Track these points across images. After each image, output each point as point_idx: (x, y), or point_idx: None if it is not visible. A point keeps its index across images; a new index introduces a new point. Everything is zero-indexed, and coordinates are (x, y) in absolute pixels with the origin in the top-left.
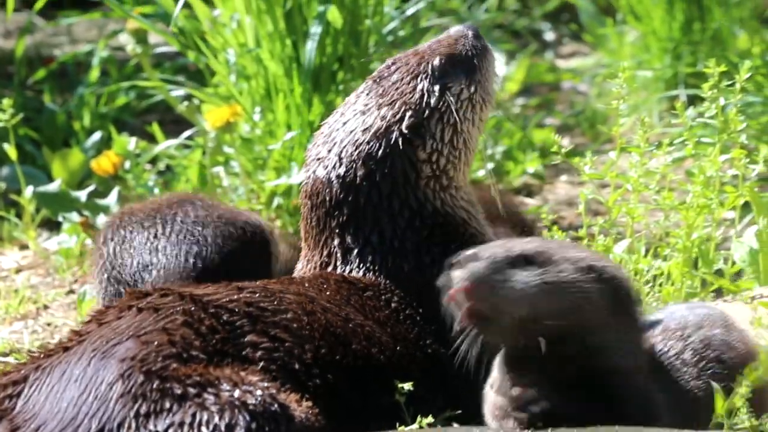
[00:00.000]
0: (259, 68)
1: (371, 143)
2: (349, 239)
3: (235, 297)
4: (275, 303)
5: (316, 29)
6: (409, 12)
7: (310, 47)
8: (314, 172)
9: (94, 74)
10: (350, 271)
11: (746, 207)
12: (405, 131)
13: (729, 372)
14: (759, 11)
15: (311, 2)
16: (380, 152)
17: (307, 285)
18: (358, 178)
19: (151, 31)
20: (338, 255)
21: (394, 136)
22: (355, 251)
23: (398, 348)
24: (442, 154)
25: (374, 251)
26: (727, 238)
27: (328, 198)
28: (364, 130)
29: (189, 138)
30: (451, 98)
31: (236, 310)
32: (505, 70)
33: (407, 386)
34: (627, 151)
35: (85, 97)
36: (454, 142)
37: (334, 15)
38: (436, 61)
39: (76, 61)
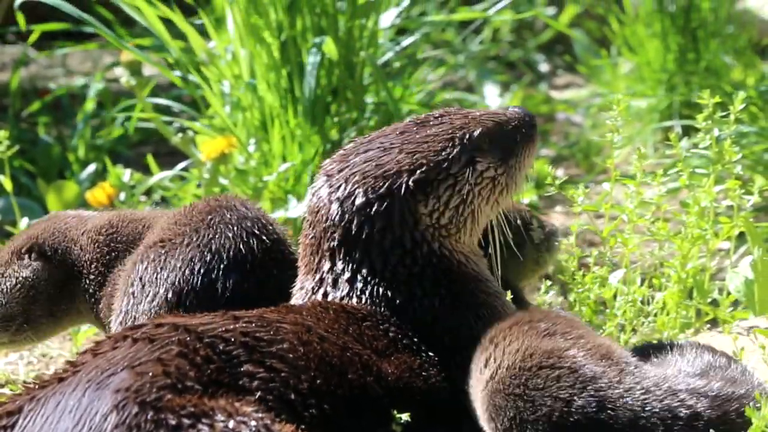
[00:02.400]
0: (254, 99)
1: (377, 179)
2: (339, 264)
3: (231, 327)
4: (271, 333)
5: (313, 60)
6: (404, 44)
7: (308, 79)
8: (320, 188)
9: (89, 106)
10: (341, 298)
11: (741, 237)
12: (411, 184)
13: None
14: (753, 42)
15: (306, 34)
16: (382, 190)
17: (304, 314)
18: (355, 206)
19: (146, 62)
20: (329, 280)
21: (400, 182)
22: (346, 277)
23: (396, 377)
24: (443, 215)
25: (364, 280)
26: (722, 268)
27: (325, 217)
28: (377, 165)
29: (184, 169)
30: (472, 173)
31: (232, 339)
32: (500, 102)
33: (405, 416)
34: (622, 182)
35: (79, 128)
36: (459, 210)
37: (330, 47)
38: (477, 132)
39: (70, 93)
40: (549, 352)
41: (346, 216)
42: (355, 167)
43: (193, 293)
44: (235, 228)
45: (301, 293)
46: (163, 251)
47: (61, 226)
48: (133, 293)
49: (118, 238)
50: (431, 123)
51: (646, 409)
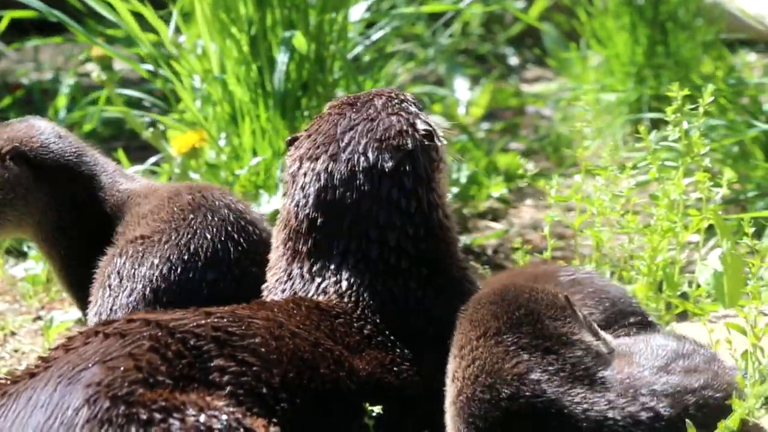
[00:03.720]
0: (225, 94)
1: (365, 173)
2: (323, 256)
3: (203, 322)
4: (243, 328)
5: (283, 55)
6: (374, 37)
7: (278, 73)
8: (293, 192)
9: (61, 101)
10: (319, 290)
11: (710, 230)
12: (390, 165)
13: None
14: (722, 35)
15: (276, 28)
16: (368, 180)
17: (276, 310)
18: (334, 199)
19: (116, 57)
20: (307, 271)
21: (382, 165)
22: (331, 267)
23: (368, 373)
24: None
25: (350, 270)
26: (692, 261)
27: (300, 217)
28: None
29: (155, 164)
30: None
31: (203, 335)
32: (470, 95)
33: (377, 409)
34: (593, 174)
35: None
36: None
37: (300, 41)
38: (412, 98)
39: (42, 88)
40: (510, 378)
41: (335, 205)
42: (330, 165)
43: (169, 291)
44: (215, 230)
45: (273, 289)
46: (141, 248)
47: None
48: (110, 286)
49: None
50: (361, 106)
51: (608, 421)
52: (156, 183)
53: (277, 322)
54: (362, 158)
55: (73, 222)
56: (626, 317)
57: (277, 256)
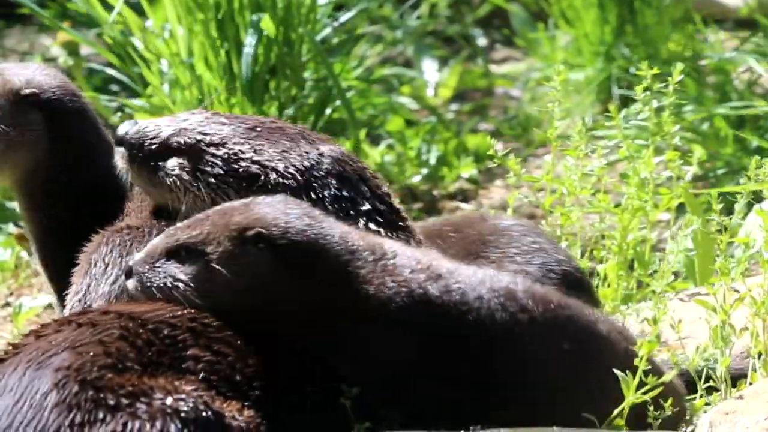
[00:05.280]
0: (193, 78)
1: None
2: None
3: (179, 313)
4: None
5: (251, 38)
6: (342, 19)
7: (246, 56)
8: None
9: None
10: None
11: (681, 208)
12: None
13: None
14: (690, 14)
15: (243, 11)
16: None
17: None
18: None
19: (82, 42)
20: None
21: None
22: None
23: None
24: None
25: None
26: (663, 239)
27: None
28: None
29: None
30: None
31: (178, 324)
32: (438, 77)
33: (354, 390)
34: (563, 153)
35: None
36: None
37: (267, 23)
38: None
39: None
40: None
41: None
42: None
43: None
44: None
45: None
46: (128, 237)
47: None
48: (94, 274)
49: None
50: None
51: None
52: None
53: None
54: None
55: (65, 186)
56: (558, 271)
57: None
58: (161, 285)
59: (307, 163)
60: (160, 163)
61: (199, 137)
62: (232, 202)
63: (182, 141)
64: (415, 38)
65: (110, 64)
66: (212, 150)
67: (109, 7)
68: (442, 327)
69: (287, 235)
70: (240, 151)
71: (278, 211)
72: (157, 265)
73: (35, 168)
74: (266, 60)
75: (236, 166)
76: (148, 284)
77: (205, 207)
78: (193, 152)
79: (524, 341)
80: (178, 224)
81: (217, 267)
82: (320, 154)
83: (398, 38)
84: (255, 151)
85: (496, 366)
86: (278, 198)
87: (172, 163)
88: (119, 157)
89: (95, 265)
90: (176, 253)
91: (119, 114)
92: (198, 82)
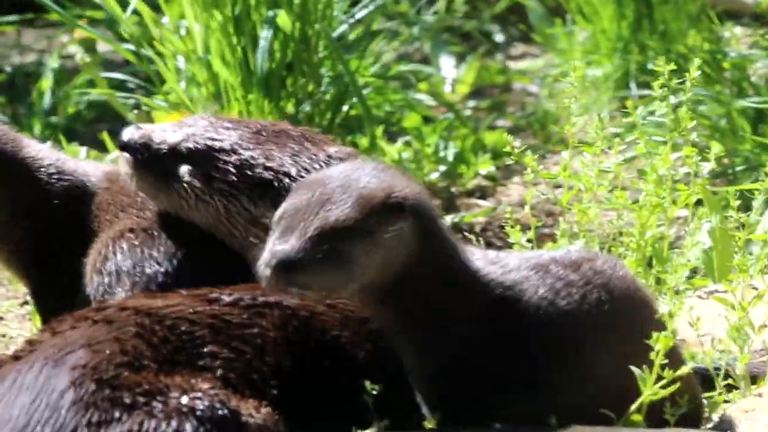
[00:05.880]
0: (209, 74)
1: None
2: None
3: (200, 309)
4: (244, 317)
5: (267, 34)
6: (359, 16)
7: (262, 52)
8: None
9: (45, 84)
10: None
11: (699, 205)
12: None
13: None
14: (707, 9)
15: (260, 7)
16: None
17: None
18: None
19: (100, 39)
20: None
21: None
22: None
23: (372, 362)
24: None
25: None
26: (681, 236)
27: None
28: None
29: None
30: None
31: (197, 321)
32: (455, 73)
33: (377, 388)
34: (580, 150)
35: (34, 107)
36: None
37: (284, 19)
38: None
39: (25, 71)
40: None
41: None
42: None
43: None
44: None
45: None
46: (137, 241)
47: None
48: (108, 284)
49: None
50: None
51: None
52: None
53: (286, 308)
54: None
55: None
56: None
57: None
58: (328, 272)
59: (317, 166)
60: (169, 170)
61: (209, 143)
62: (343, 174)
63: (192, 147)
64: (432, 34)
65: (127, 62)
66: (224, 156)
67: (124, 5)
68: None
69: (419, 199)
70: (251, 157)
71: (397, 179)
72: (318, 249)
73: None
74: (283, 56)
75: (249, 173)
76: (316, 274)
77: (216, 213)
78: (205, 159)
79: None
80: (304, 207)
81: (379, 243)
82: (329, 156)
83: (415, 34)
84: (266, 157)
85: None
86: (380, 167)
87: (183, 169)
88: (123, 162)
89: (108, 275)
90: (333, 235)
91: (136, 111)
92: (215, 78)
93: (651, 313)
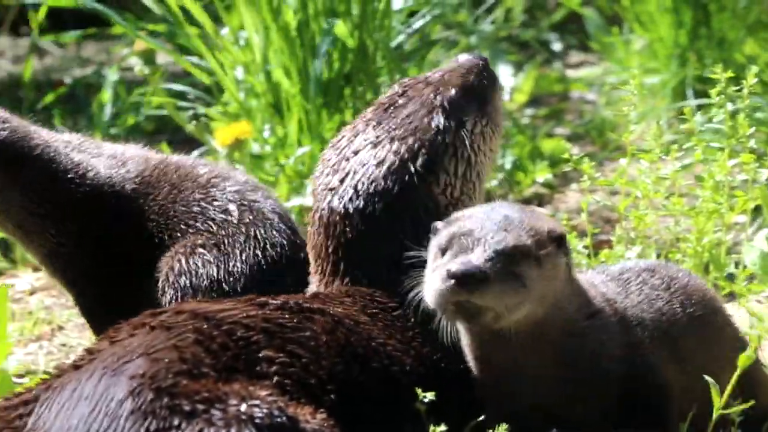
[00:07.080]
0: (269, 85)
1: (386, 179)
2: (370, 269)
3: (253, 313)
4: (295, 320)
5: (326, 44)
6: (416, 26)
7: (320, 62)
8: (329, 203)
9: (105, 96)
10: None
11: (756, 210)
12: (420, 169)
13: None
14: (764, 17)
15: (318, 17)
16: (396, 188)
17: (335, 302)
18: (377, 212)
19: (160, 50)
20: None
21: (408, 173)
22: (377, 280)
23: (419, 369)
24: (455, 187)
25: (395, 281)
26: (738, 242)
27: (348, 230)
28: (378, 164)
29: (199, 156)
30: (466, 134)
31: (252, 326)
32: (513, 82)
33: (429, 395)
34: (638, 157)
35: (95, 118)
36: (467, 175)
37: (342, 29)
38: (451, 94)
39: (85, 83)
40: None
41: (373, 224)
42: (357, 174)
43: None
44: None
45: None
46: (210, 257)
47: None
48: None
49: None
50: (401, 103)
51: None
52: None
53: (332, 314)
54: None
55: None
56: None
57: (317, 256)
58: (509, 291)
59: None
60: None
61: None
62: (502, 207)
63: None
64: (489, 43)
65: (186, 73)
66: None
67: (185, 15)
68: None
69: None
70: None
71: (547, 218)
72: (501, 269)
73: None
74: (341, 66)
75: None
76: (498, 291)
77: None
78: None
79: None
80: (477, 231)
81: (545, 271)
82: None
83: (473, 44)
84: None
85: None
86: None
87: None
88: None
89: (183, 290)
90: (512, 256)
91: (195, 122)
92: (274, 89)
93: (725, 317)
